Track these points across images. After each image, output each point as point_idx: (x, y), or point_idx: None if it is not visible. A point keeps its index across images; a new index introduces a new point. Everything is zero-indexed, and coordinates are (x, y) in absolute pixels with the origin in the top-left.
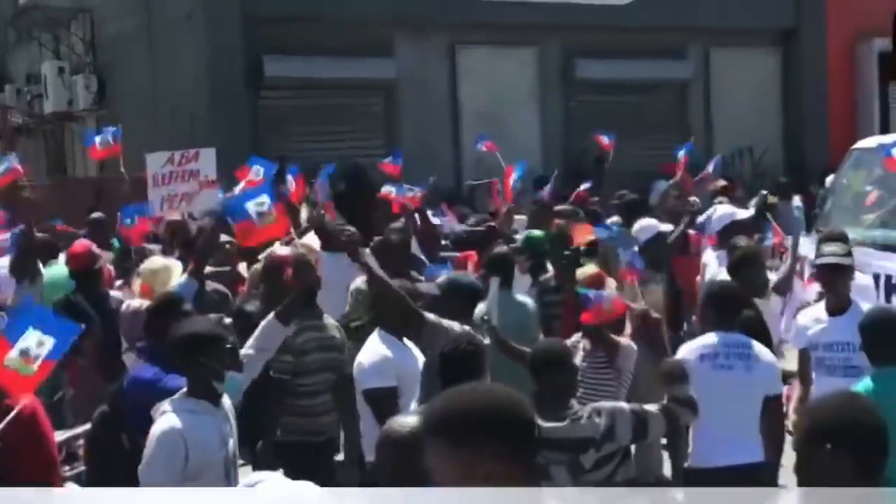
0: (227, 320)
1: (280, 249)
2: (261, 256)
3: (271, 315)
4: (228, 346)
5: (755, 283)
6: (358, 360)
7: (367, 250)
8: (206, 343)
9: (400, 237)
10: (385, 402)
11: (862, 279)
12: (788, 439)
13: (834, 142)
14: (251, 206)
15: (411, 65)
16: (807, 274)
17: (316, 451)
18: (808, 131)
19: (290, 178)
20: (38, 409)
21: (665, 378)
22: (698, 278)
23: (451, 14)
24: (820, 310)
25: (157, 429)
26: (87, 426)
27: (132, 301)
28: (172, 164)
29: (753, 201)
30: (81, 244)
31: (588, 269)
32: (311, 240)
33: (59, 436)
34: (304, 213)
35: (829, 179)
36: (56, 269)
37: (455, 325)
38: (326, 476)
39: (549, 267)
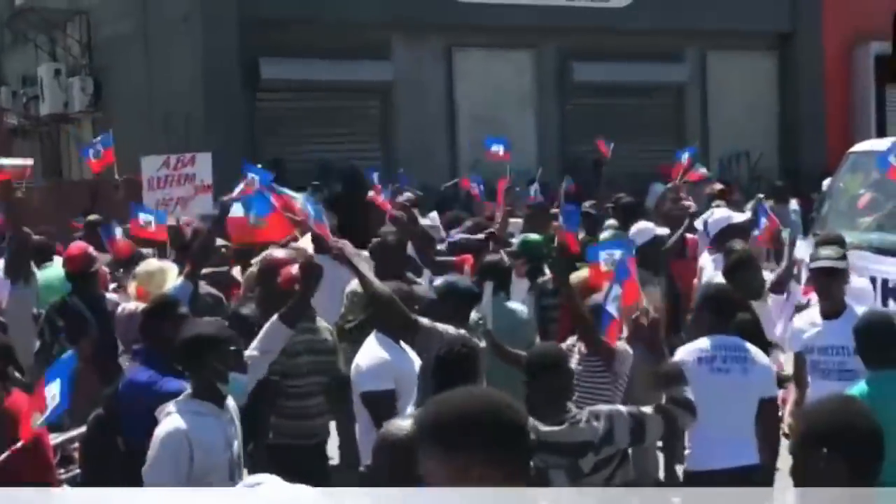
0: (224, 324)
1: (276, 252)
2: (254, 260)
3: (276, 317)
4: (233, 347)
5: (751, 286)
6: (355, 362)
7: (360, 252)
8: (211, 345)
9: (396, 239)
10: (383, 405)
11: (859, 283)
12: (784, 443)
13: (830, 145)
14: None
15: (408, 67)
16: (804, 277)
17: (307, 454)
18: (804, 135)
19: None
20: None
21: (663, 380)
22: (695, 281)
23: (448, 17)
24: (815, 313)
25: (161, 430)
26: (83, 429)
27: (128, 304)
28: (168, 167)
29: (749, 205)
30: (78, 246)
31: (583, 273)
32: (305, 242)
33: (54, 439)
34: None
35: (826, 183)
36: (51, 272)
37: (450, 329)
38: (320, 479)
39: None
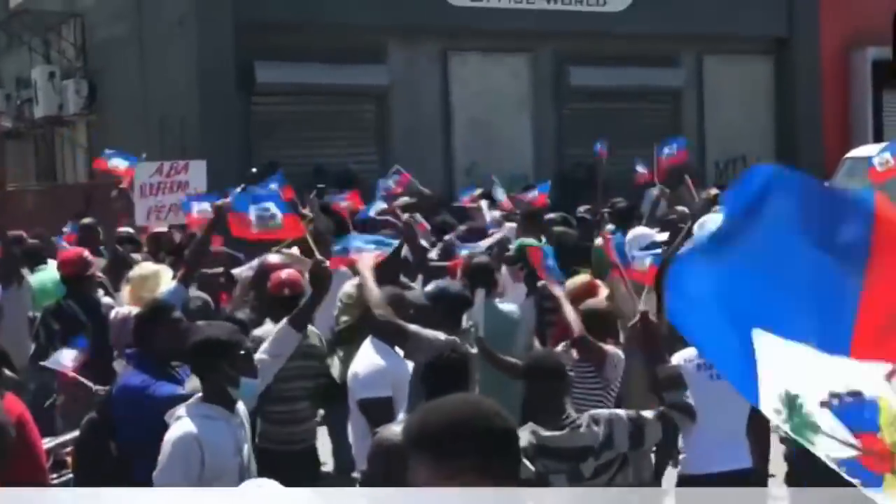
0: (234, 328)
1: (271, 257)
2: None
3: (285, 321)
4: (244, 352)
5: None
6: (353, 369)
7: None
8: (222, 349)
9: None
10: (381, 412)
11: None
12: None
13: (828, 150)
14: (254, 209)
15: (404, 71)
16: None
17: (296, 459)
18: (801, 139)
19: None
20: (25, 415)
21: (663, 384)
22: None
23: (444, 21)
24: None
25: (172, 434)
26: (75, 433)
27: (121, 308)
28: (161, 174)
29: None
30: (73, 250)
31: (579, 279)
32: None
33: (47, 443)
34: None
35: None
36: (45, 274)
37: (440, 336)
38: (309, 484)
39: None
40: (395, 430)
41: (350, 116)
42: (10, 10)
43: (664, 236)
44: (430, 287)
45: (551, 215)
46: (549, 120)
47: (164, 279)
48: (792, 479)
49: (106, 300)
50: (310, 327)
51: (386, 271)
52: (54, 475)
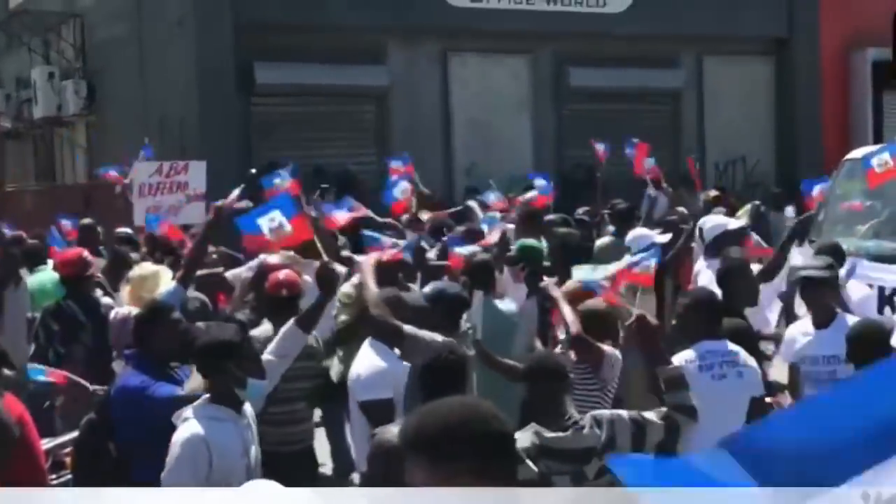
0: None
1: (271, 258)
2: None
3: (292, 322)
4: (251, 352)
5: (744, 293)
6: (354, 371)
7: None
8: (230, 350)
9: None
10: (382, 413)
11: (860, 290)
12: None
13: (827, 150)
14: (263, 222)
15: (403, 72)
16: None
17: (293, 460)
18: (801, 140)
19: (282, 179)
20: (25, 416)
21: (666, 385)
22: (690, 287)
23: (444, 22)
24: (808, 323)
25: (180, 435)
26: (74, 434)
27: (121, 308)
28: (160, 174)
29: (742, 211)
30: (73, 250)
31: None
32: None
33: (46, 444)
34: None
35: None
36: (44, 275)
37: (437, 337)
38: (307, 485)
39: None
40: (394, 431)
41: (350, 117)
42: (9, 10)
43: (665, 237)
44: (428, 288)
45: (551, 217)
46: (548, 121)
47: (164, 280)
48: None
49: (105, 300)
50: None
51: (386, 272)
52: (53, 476)
